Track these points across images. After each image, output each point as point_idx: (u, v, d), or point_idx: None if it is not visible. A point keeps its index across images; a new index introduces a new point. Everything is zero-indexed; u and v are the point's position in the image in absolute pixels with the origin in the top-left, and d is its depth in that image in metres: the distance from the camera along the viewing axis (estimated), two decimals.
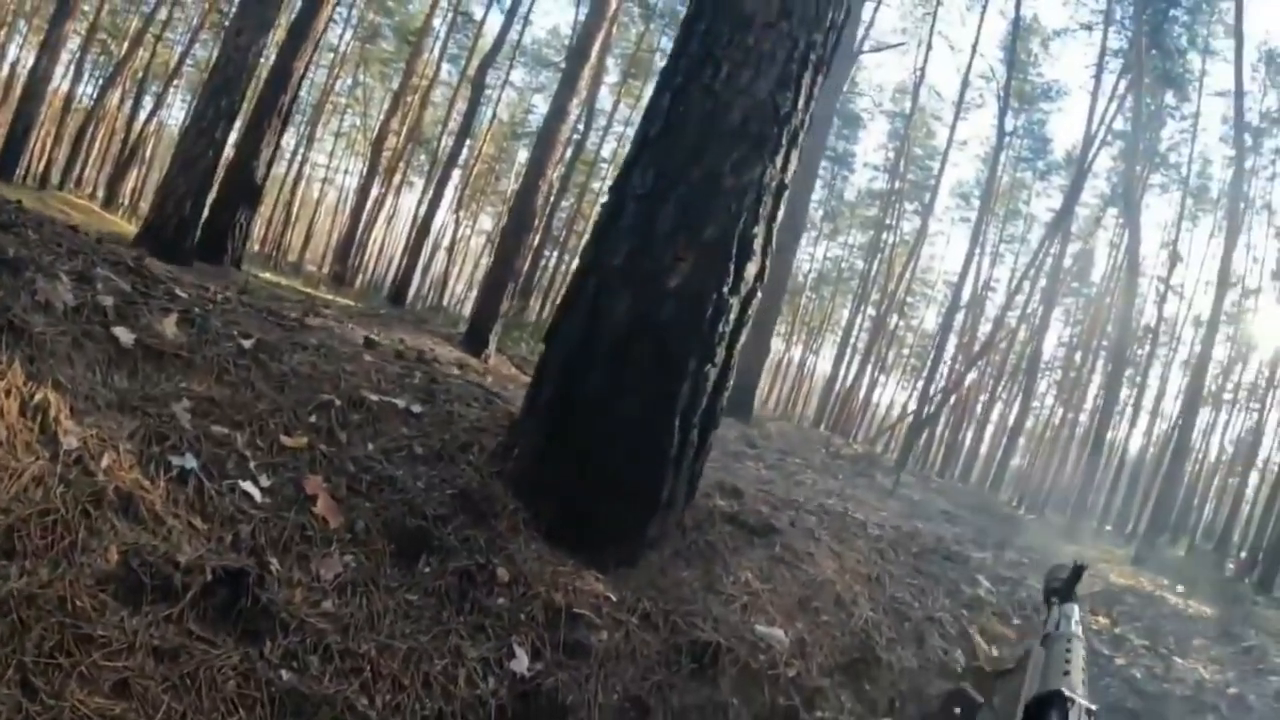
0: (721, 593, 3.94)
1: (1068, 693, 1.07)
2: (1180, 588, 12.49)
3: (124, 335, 3.43)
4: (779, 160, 4.11)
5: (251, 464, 3.21)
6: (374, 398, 4.05)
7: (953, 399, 30.26)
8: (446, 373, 5.82)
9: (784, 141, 4.10)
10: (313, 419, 3.67)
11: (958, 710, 1.43)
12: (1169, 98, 27.14)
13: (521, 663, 3.01)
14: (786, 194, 4.28)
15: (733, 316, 4.06)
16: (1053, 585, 1.77)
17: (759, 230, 4.08)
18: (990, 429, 38.08)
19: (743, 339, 4.24)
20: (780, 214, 4.27)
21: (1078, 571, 1.77)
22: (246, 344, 3.95)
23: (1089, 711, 1.07)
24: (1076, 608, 1.61)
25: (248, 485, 3.08)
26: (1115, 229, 32.03)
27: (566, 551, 3.66)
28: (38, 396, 2.80)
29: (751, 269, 4.11)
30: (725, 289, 3.98)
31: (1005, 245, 37.50)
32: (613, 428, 3.93)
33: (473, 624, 3.07)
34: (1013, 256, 37.13)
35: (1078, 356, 36.15)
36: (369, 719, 2.53)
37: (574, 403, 4.00)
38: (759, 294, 4.25)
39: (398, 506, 3.39)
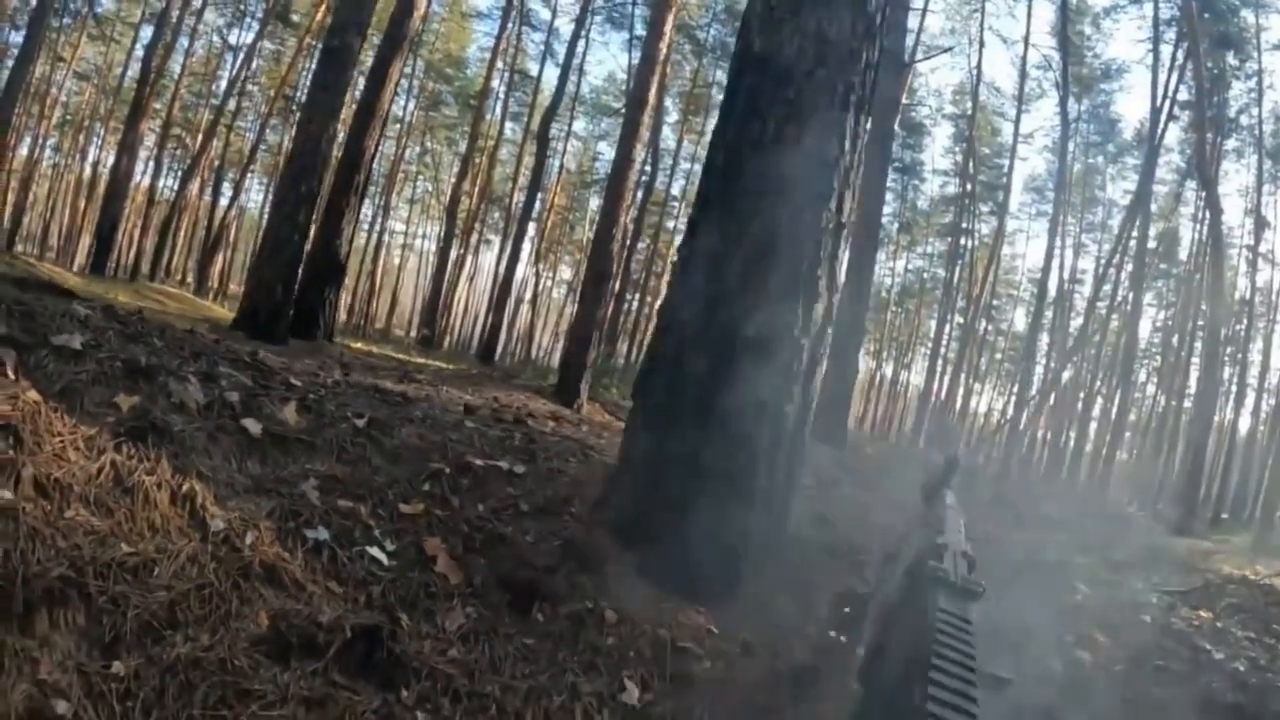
0: (817, 617, 4.12)
1: (941, 540, 1.18)
2: None
3: (252, 426, 3.84)
4: (833, 203, 4.31)
5: (376, 531, 3.55)
6: (479, 462, 4.40)
7: (1051, 399, 29.45)
8: (542, 430, 6.13)
9: (835, 185, 4.31)
10: (426, 487, 4.04)
11: (847, 609, 1.58)
12: (1230, 59, 26.18)
13: (632, 695, 3.25)
14: (845, 233, 4.48)
15: (805, 356, 4.28)
16: (929, 484, 1.95)
17: (822, 272, 4.30)
18: (1094, 426, 36.64)
19: (818, 376, 4.45)
20: (841, 252, 4.47)
21: (951, 463, 1.98)
22: (360, 423, 4.35)
23: (964, 554, 1.17)
24: (949, 491, 1.79)
25: (375, 551, 3.41)
26: (1196, 203, 30.69)
27: (668, 589, 3.92)
28: (185, 486, 3.17)
29: (819, 309, 4.32)
30: (796, 331, 4.21)
31: (1087, 235, 36.20)
32: (702, 474, 4.16)
33: (585, 662, 3.33)
34: (1096, 246, 35.82)
35: (1175, 340, 34.61)
36: None
37: (665, 451, 4.26)
38: (829, 331, 4.46)
39: (509, 560, 3.70)
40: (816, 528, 5.15)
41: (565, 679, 3.20)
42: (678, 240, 4.69)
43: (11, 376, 3.22)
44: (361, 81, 15.30)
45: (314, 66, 15.55)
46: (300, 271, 13.16)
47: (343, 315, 30.84)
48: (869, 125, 4.65)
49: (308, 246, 13.34)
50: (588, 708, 3.12)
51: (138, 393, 3.66)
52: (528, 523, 4.05)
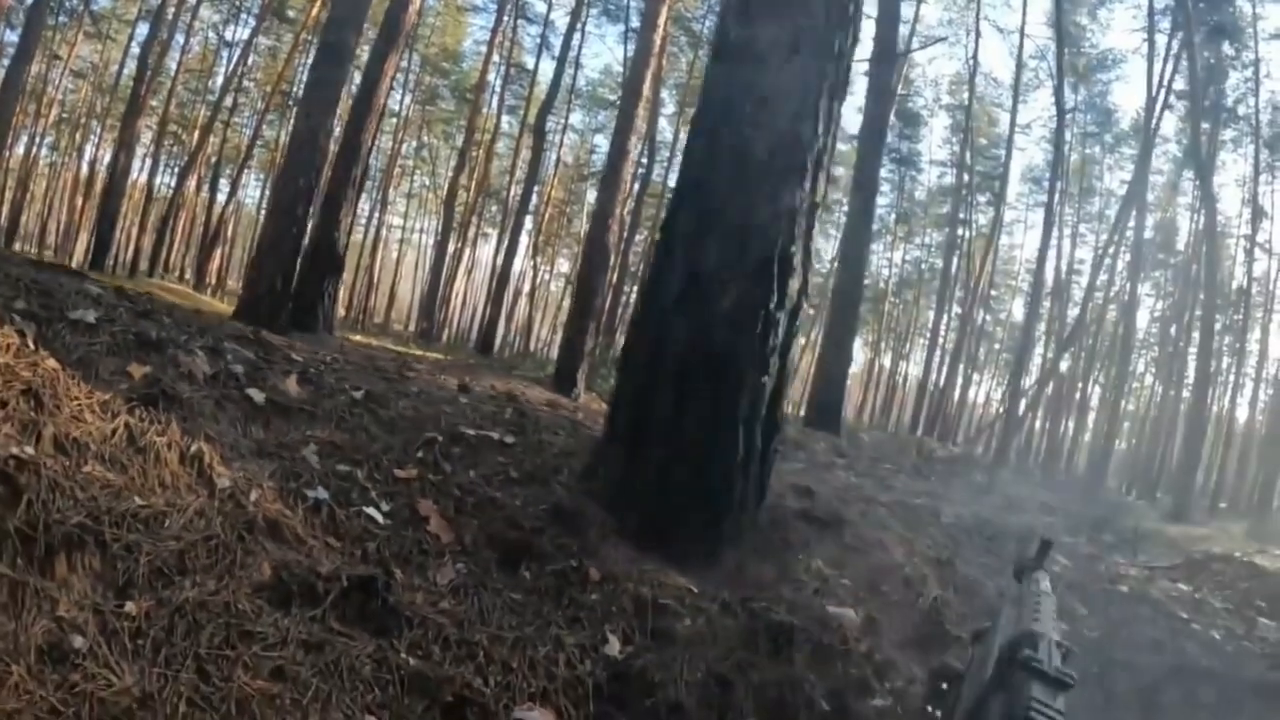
0: (795, 580, 4.34)
1: (1038, 629, 1.15)
2: None
3: (256, 395, 4.09)
4: (807, 184, 4.54)
5: (372, 493, 3.77)
6: (471, 433, 4.64)
7: (1049, 388, 29.52)
8: (536, 408, 6.34)
9: (809, 166, 4.53)
10: (420, 454, 4.28)
11: (944, 684, 1.44)
12: (1226, 48, 26.17)
13: (614, 647, 3.45)
14: (819, 211, 4.70)
15: (781, 330, 4.52)
16: (1023, 563, 1.91)
17: (797, 249, 4.52)
18: (1092, 415, 36.65)
19: (794, 349, 4.67)
20: (815, 230, 4.69)
21: (1045, 546, 1.96)
22: (358, 395, 4.61)
23: (1059, 644, 1.13)
24: (1045, 574, 1.76)
25: (371, 510, 3.63)
26: (1193, 193, 30.57)
27: (651, 553, 4.13)
28: (193, 448, 3.37)
29: (794, 284, 4.55)
30: (772, 305, 4.44)
31: (1084, 225, 36.19)
32: (683, 442, 4.41)
33: (570, 616, 3.54)
34: (1093, 236, 35.67)
35: (1172, 330, 34.52)
36: (484, 695, 2.97)
37: (647, 423, 4.50)
38: (804, 306, 4.69)
39: (499, 522, 3.92)
40: (798, 498, 5.37)
41: (550, 631, 3.39)
42: None
43: (32, 346, 3.43)
44: (357, 76, 15.43)
45: (311, 62, 15.70)
46: (299, 264, 13.31)
47: (341, 310, 30.96)
48: (842, 110, 4.86)
49: (306, 239, 13.49)
50: (571, 658, 3.31)
51: (148, 363, 3.91)
52: (517, 489, 4.28)
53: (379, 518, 3.61)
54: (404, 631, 3.08)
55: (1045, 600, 1.44)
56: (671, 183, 34.16)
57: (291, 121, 32.03)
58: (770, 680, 3.57)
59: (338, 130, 14.33)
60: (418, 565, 3.48)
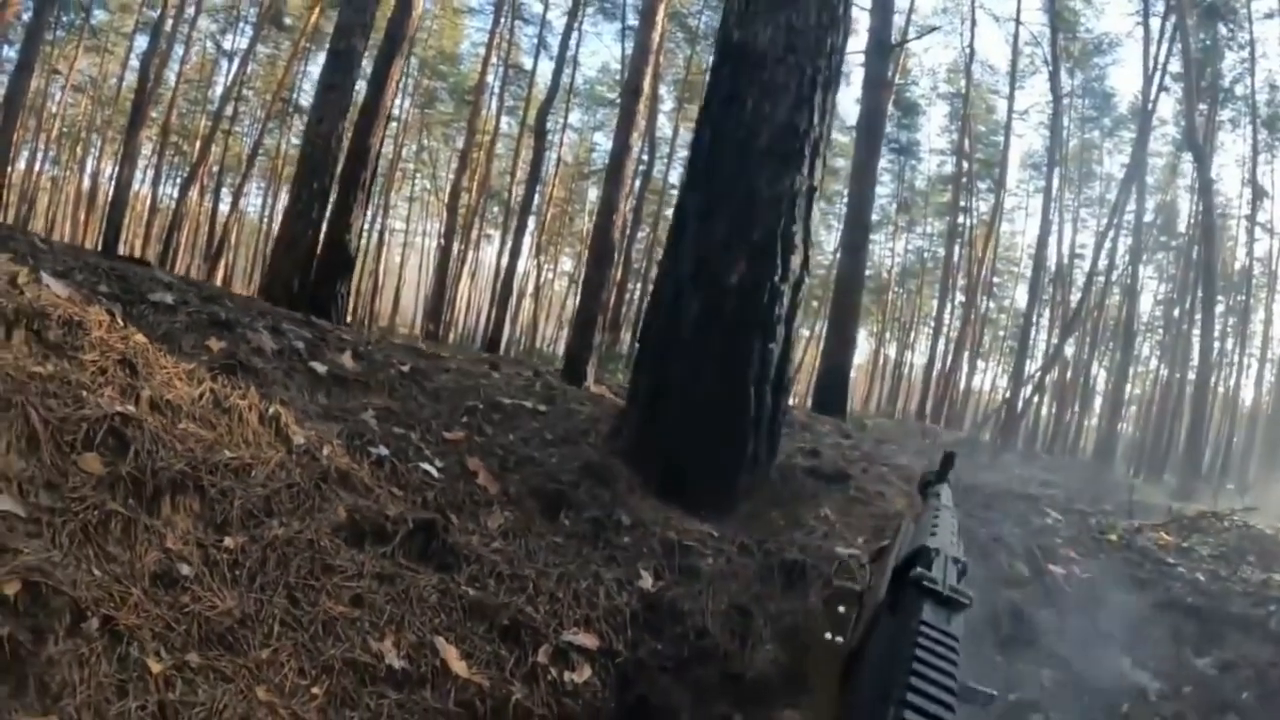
0: (805, 526, 4.75)
1: (932, 545, 1.08)
2: None
3: (318, 367, 4.56)
4: (805, 168, 5.03)
5: (426, 451, 4.21)
6: (508, 402, 5.15)
7: (1054, 374, 29.68)
8: (561, 385, 6.80)
9: (806, 153, 5.03)
10: (464, 420, 4.77)
11: (841, 608, 1.44)
12: (1221, 29, 26.26)
13: (647, 581, 3.88)
14: (816, 194, 5.17)
15: (785, 301, 5.00)
16: (926, 477, 1.95)
17: (797, 228, 5.00)
18: (1098, 400, 36.68)
19: (798, 318, 5.13)
20: (814, 211, 5.15)
21: (948, 458, 1.89)
22: (405, 369, 5.11)
23: (955, 560, 1.08)
24: (946, 487, 1.72)
25: (426, 466, 4.06)
26: (1193, 175, 30.52)
27: (673, 503, 4.57)
28: (270, 410, 3.81)
29: (796, 260, 5.02)
30: (776, 278, 4.92)
31: (1085, 210, 36.26)
32: (700, 403, 4.89)
33: (606, 556, 3.98)
34: (1094, 220, 35.55)
35: (1176, 313, 34.48)
36: (535, 619, 3.40)
37: (667, 387, 4.99)
38: (806, 279, 5.15)
39: (539, 477, 4.37)
40: (805, 458, 5.80)
41: (590, 568, 3.82)
42: None
43: (121, 323, 3.85)
44: (361, 83, 15.76)
45: (320, 70, 16.04)
46: (314, 265, 13.66)
47: (347, 314, 31.19)
48: (836, 100, 5.33)
49: (321, 241, 13.83)
50: (609, 590, 3.73)
51: (223, 339, 4.36)
52: (551, 449, 4.73)
53: (434, 472, 4.04)
54: (462, 567, 3.52)
55: (944, 514, 1.37)
56: (671, 179, 34.75)
57: (293, 129, 32.49)
58: (785, 610, 3.97)
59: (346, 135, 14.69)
60: (470, 513, 3.91)
